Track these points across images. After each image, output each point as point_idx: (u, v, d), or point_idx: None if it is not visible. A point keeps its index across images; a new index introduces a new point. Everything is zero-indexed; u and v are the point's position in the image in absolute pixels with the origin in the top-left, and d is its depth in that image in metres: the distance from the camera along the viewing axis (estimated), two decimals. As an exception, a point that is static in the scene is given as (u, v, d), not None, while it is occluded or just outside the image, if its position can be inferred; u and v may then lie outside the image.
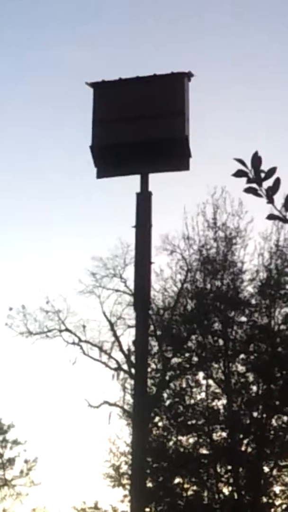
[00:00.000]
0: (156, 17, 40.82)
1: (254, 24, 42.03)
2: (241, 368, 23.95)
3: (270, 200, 5.09)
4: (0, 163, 42.76)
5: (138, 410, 12.58)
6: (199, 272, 24.64)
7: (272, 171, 5.11)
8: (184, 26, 41.17)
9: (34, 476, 33.48)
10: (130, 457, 21.54)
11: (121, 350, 24.82)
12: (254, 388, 23.87)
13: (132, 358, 23.01)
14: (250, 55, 39.96)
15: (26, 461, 33.42)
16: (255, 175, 5.08)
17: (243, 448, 23.64)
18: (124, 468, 24.73)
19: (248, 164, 5.11)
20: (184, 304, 24.80)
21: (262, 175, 5.10)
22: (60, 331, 25.52)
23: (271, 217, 5.15)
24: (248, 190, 5.13)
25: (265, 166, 5.13)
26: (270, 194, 5.08)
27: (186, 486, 23.80)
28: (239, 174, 5.11)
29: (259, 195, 5.10)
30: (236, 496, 23.02)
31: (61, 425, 40.22)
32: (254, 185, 5.13)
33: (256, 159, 5.08)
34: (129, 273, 24.48)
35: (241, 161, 5.10)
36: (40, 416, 39.74)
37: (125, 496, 24.84)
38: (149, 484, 22.34)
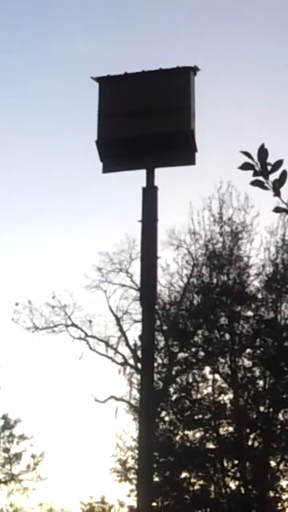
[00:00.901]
0: (161, 10, 40.73)
1: (259, 17, 41.92)
2: (247, 363, 23.96)
3: (277, 193, 5.08)
4: (6, 158, 42.75)
5: (144, 405, 12.57)
6: (205, 267, 24.63)
7: (278, 163, 5.09)
8: (190, 19, 41.09)
9: (41, 471, 33.53)
10: (136, 451, 21.57)
11: (127, 345, 24.83)
12: (261, 382, 23.88)
13: (139, 353, 23.02)
14: (257, 48, 39.89)
15: (33, 456, 33.46)
16: (262, 168, 5.07)
17: (249, 443, 23.65)
18: (131, 462, 24.77)
19: (255, 157, 5.09)
20: (190, 298, 24.79)
21: (269, 168, 5.09)
22: (67, 326, 25.55)
23: (278, 209, 5.14)
24: (254, 183, 5.12)
25: (271, 159, 5.12)
26: (276, 186, 5.07)
27: (192, 480, 23.82)
28: (245, 167, 5.09)
29: (265, 188, 5.09)
30: (243, 491, 23.04)
31: (68, 420, 40.30)
32: (261, 178, 5.11)
33: (263, 152, 5.07)
34: (135, 268, 24.50)
35: (247, 154, 5.08)
36: (46, 411, 39.85)
37: (131, 490, 24.89)
38: (156, 479, 22.37)
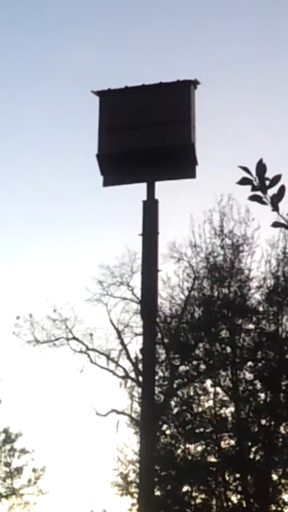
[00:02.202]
0: (161, 20, 40.85)
1: (258, 30, 42.07)
2: (249, 376, 23.91)
3: (275, 208, 5.09)
4: (5, 169, 42.82)
5: (145, 418, 12.56)
6: (206, 280, 24.63)
7: (277, 178, 5.11)
8: (189, 32, 41.25)
9: (42, 485, 33.41)
10: (138, 465, 21.46)
11: (129, 358, 24.80)
12: (262, 395, 23.82)
13: (140, 366, 22.97)
14: (256, 61, 40.00)
15: (34, 470, 33.35)
16: (260, 182, 5.08)
17: (251, 456, 23.57)
18: (132, 476, 24.68)
19: (253, 171, 5.11)
20: (191, 311, 24.77)
21: (267, 182, 5.10)
22: (68, 339, 25.53)
23: (276, 224, 5.16)
24: (252, 198, 5.13)
25: (270, 174, 5.13)
26: (275, 201, 5.08)
27: (194, 494, 23.73)
28: (243, 182, 5.11)
29: (263, 203, 5.10)
30: (244, 504, 22.94)
31: (69, 433, 40.02)
32: (259, 193, 5.12)
33: (261, 167, 5.08)
34: (136, 281, 24.50)
35: (245, 169, 5.10)
36: (48, 425, 39.65)
37: (133, 504, 24.77)
38: (157, 493, 22.28)
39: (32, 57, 44.19)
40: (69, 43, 43.72)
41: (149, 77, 13.55)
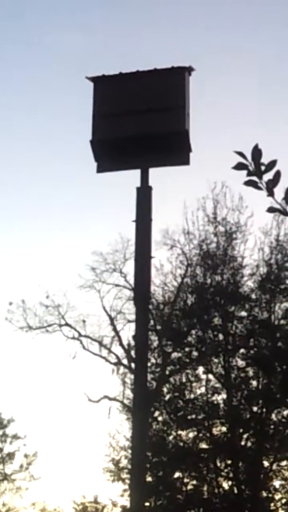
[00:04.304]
0: (155, 4, 40.67)
1: (254, 17, 41.96)
2: (241, 363, 23.99)
3: (270, 193, 5.09)
4: None
5: (138, 405, 12.61)
6: (199, 267, 24.64)
7: (272, 164, 5.10)
8: (184, 18, 41.10)
9: (34, 471, 33.54)
10: (130, 451, 21.58)
11: (121, 344, 24.80)
12: (254, 382, 23.90)
13: (132, 352, 23.00)
14: (250, 48, 39.90)
15: (26, 456, 33.47)
16: (256, 168, 5.07)
17: (243, 443, 23.68)
18: (124, 462, 24.77)
19: (249, 157, 5.10)
20: (184, 298, 24.80)
21: (263, 168, 5.10)
22: (60, 325, 25.50)
23: (271, 209, 5.15)
24: (248, 183, 5.12)
25: (265, 159, 5.13)
26: (270, 187, 5.07)
27: (185, 480, 23.83)
28: (239, 167, 5.10)
29: (259, 188, 5.10)
30: (236, 491, 23.06)
31: (61, 419, 40.23)
32: (255, 178, 5.12)
33: (257, 152, 5.07)
34: (129, 267, 24.44)
35: (241, 154, 5.09)
36: (40, 410, 39.73)
37: (124, 490, 24.87)
38: (149, 479, 22.37)
39: (24, 40, 43.94)
40: (62, 25, 43.48)
41: (143, 63, 13.51)
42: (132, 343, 22.98)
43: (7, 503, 33.28)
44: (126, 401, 24.25)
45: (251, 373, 23.86)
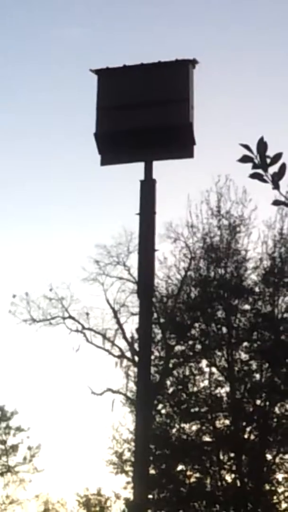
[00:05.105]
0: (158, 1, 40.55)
1: (258, 9, 41.84)
2: (244, 356, 23.98)
3: (276, 186, 5.08)
4: (3, 150, 42.69)
5: (141, 398, 12.61)
6: (203, 260, 24.63)
7: (278, 156, 5.09)
8: (188, 11, 40.99)
9: (37, 463, 33.62)
10: (133, 444, 21.58)
11: (125, 337, 24.86)
12: (257, 376, 23.89)
13: (136, 345, 23.03)
14: (254, 40, 39.81)
15: (29, 448, 33.54)
16: (261, 160, 5.06)
17: (246, 436, 23.69)
18: (127, 455, 24.81)
19: (254, 149, 5.08)
20: (187, 292, 24.80)
21: (268, 160, 5.08)
22: (64, 318, 25.56)
23: (276, 203, 5.14)
24: (253, 176, 5.11)
25: (270, 152, 5.11)
26: (275, 179, 5.06)
27: (189, 473, 23.85)
28: (244, 159, 5.09)
29: (264, 181, 5.09)
30: (239, 484, 23.09)
31: (65, 412, 40.42)
32: (260, 171, 5.10)
33: (262, 145, 5.06)
34: (133, 260, 24.51)
35: (246, 147, 5.08)
36: (43, 403, 39.96)
37: (128, 483, 24.92)
38: (152, 471, 22.40)
39: (28, 32, 43.85)
40: (65, 18, 43.37)
41: (147, 56, 13.47)
42: (136, 336, 23.01)
43: (11, 495, 33.39)
44: (129, 394, 24.31)
45: (254, 366, 23.85)
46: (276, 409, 23.83)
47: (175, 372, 24.37)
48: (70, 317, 25.47)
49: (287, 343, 23.44)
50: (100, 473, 37.93)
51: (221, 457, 23.68)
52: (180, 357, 24.32)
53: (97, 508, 31.91)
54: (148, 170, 13.03)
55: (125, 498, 26.03)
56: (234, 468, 23.41)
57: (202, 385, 24.20)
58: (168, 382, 24.37)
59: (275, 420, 23.75)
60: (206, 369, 24.13)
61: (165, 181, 13.94)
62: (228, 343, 23.78)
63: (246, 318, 24.01)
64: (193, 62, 13.24)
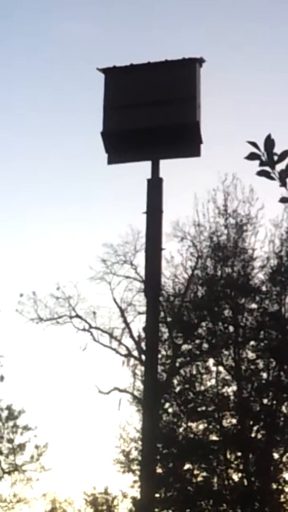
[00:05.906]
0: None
1: (265, 6, 41.76)
2: (251, 355, 23.98)
3: (283, 183, 5.08)
4: (9, 148, 42.69)
5: (148, 396, 12.59)
6: (210, 259, 24.63)
7: (285, 154, 5.09)
8: (194, 8, 40.93)
9: (45, 462, 33.58)
10: (140, 443, 21.60)
11: (131, 336, 24.87)
12: (264, 374, 23.90)
13: (142, 344, 23.03)
14: (261, 38, 39.76)
15: (36, 447, 33.52)
16: (268, 158, 5.06)
17: (253, 435, 23.68)
18: (134, 454, 24.83)
19: (261, 147, 5.08)
20: (194, 290, 24.81)
21: (275, 158, 5.08)
22: (71, 317, 25.58)
23: (284, 200, 5.14)
24: (261, 173, 5.11)
25: (278, 149, 5.11)
26: (283, 177, 5.06)
27: (195, 472, 23.87)
28: (252, 157, 5.09)
29: (272, 178, 5.08)
30: (245, 483, 23.09)
31: (72, 411, 40.34)
32: (267, 168, 5.10)
33: (269, 142, 5.06)
34: (140, 259, 24.52)
35: (254, 144, 5.08)
36: (50, 402, 39.93)
37: (135, 482, 24.94)
38: (159, 470, 22.44)
39: (33, 29, 43.80)
40: (70, 15, 43.33)
41: (153, 56, 13.45)
42: (143, 335, 23.01)
43: (18, 494, 33.40)
44: (136, 393, 24.32)
45: (261, 365, 23.86)
46: (283, 408, 23.84)
47: (182, 371, 24.39)
48: (77, 316, 25.50)
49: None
50: (107, 472, 38.01)
51: (228, 456, 23.69)
52: (187, 356, 24.33)
53: (104, 507, 31.93)
54: (155, 169, 13.00)
55: (132, 497, 26.05)
56: (241, 467, 23.42)
57: (209, 384, 24.25)
58: (175, 381, 24.39)
59: (282, 419, 23.74)
60: (213, 368, 24.18)
61: (172, 180, 13.91)
62: (235, 342, 23.78)
63: (253, 317, 24.01)
64: (200, 61, 13.21)
